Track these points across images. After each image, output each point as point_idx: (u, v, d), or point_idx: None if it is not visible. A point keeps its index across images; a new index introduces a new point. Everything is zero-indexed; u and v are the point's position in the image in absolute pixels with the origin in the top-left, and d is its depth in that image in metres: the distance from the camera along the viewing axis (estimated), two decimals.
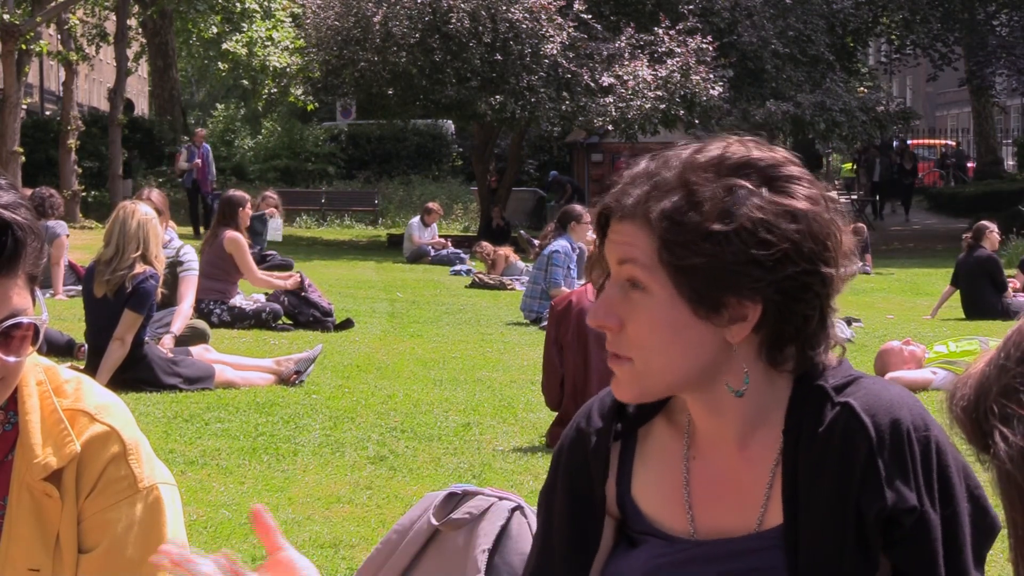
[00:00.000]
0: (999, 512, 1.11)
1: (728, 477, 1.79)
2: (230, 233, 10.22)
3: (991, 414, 1.07)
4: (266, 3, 26.90)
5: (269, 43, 25.26)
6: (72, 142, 24.48)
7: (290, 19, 25.75)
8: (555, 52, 22.00)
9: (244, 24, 26.26)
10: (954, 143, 42.43)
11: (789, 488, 1.71)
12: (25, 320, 1.79)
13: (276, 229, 16.72)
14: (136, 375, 7.44)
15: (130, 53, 29.80)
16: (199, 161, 22.96)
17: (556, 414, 6.33)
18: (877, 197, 32.47)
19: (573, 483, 1.89)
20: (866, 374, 1.78)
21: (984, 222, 13.72)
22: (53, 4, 22.78)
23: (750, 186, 1.67)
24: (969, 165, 38.60)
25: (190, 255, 9.15)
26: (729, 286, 1.66)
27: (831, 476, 1.69)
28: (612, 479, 1.88)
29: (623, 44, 22.42)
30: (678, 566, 1.80)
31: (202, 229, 20.62)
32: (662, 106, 22.03)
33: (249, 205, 10.74)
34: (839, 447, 1.68)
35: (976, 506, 1.71)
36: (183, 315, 8.54)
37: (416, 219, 20.21)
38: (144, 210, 7.54)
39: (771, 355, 1.72)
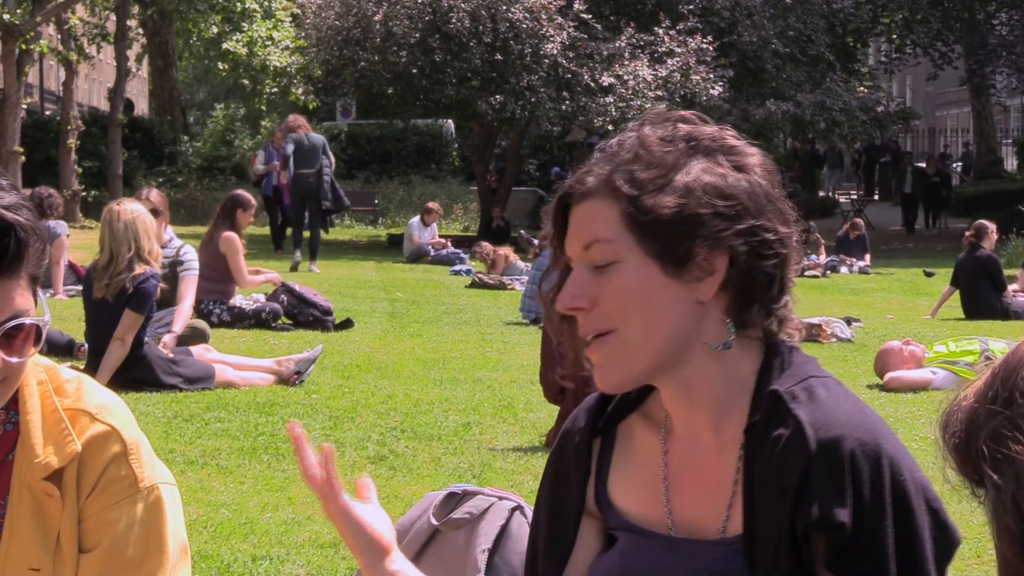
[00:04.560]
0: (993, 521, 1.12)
1: (702, 466, 1.81)
2: (226, 234, 10.20)
3: (982, 458, 1.08)
4: (266, 3, 26.89)
5: (269, 43, 25.25)
6: (72, 142, 24.47)
7: (290, 19, 25.74)
8: (555, 52, 22.00)
9: (244, 24, 26.25)
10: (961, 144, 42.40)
11: (747, 496, 1.74)
12: (28, 321, 1.79)
13: None
14: (136, 375, 7.44)
15: (130, 53, 29.80)
16: (277, 163, 18.65)
17: (556, 414, 6.33)
18: (914, 208, 30.21)
19: (556, 483, 1.93)
20: (825, 377, 1.78)
21: (984, 222, 13.73)
22: (53, 4, 22.78)
23: (704, 149, 1.76)
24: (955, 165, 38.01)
25: (190, 255, 9.15)
26: (696, 236, 1.71)
27: (774, 488, 1.71)
28: (592, 479, 1.90)
29: (623, 44, 22.42)
30: (650, 563, 1.82)
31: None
32: (662, 106, 21.99)
33: (252, 209, 10.64)
34: (782, 459, 1.70)
35: (935, 520, 1.72)
36: (184, 315, 8.54)
37: (416, 219, 20.20)
38: (130, 208, 7.48)
39: (738, 315, 1.75)
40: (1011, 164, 39.96)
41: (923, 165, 31.55)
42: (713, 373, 1.77)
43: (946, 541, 1.72)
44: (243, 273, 10.25)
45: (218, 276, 10.17)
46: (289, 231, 17.94)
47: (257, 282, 10.52)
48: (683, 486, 1.82)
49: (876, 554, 1.66)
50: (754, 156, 1.78)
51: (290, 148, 17.23)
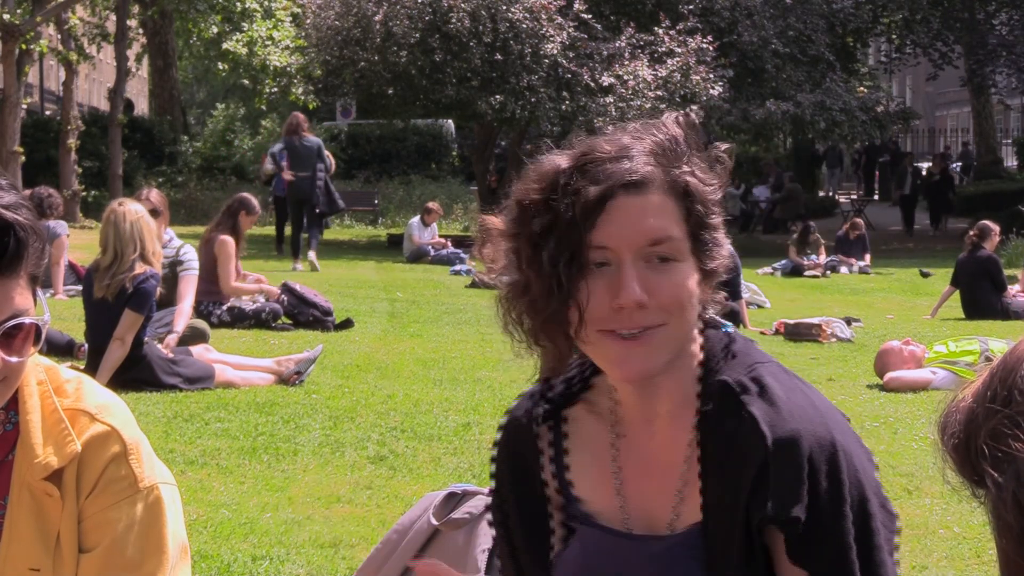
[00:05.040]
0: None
1: (652, 459, 1.84)
2: (222, 237, 10.19)
3: (982, 456, 1.08)
4: (267, 3, 26.89)
5: (269, 43, 25.24)
6: (72, 142, 24.47)
7: (290, 19, 25.74)
8: (555, 52, 22.00)
9: (244, 24, 26.24)
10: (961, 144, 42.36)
11: (703, 489, 1.78)
12: (27, 320, 1.79)
13: None
14: (136, 375, 7.44)
15: (130, 53, 29.80)
16: (285, 164, 17.46)
17: None
18: (912, 209, 29.79)
19: (515, 475, 1.94)
20: (771, 364, 1.82)
21: (988, 222, 13.74)
22: (53, 4, 22.77)
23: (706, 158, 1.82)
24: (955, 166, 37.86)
25: (190, 254, 9.15)
26: (720, 244, 1.80)
27: (728, 482, 1.75)
28: (548, 465, 1.91)
29: (623, 44, 22.42)
30: (608, 557, 1.85)
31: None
32: (662, 106, 22.01)
33: (256, 215, 10.59)
34: (738, 454, 1.74)
35: (883, 506, 1.78)
36: (184, 314, 8.54)
37: (416, 219, 20.20)
38: (133, 208, 7.50)
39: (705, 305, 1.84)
40: (1011, 163, 39.96)
41: (924, 165, 31.50)
42: (676, 367, 1.81)
43: (893, 525, 1.78)
44: (229, 278, 10.14)
45: (216, 277, 10.17)
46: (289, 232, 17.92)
47: (244, 289, 10.40)
48: (635, 478, 1.85)
49: (837, 545, 1.71)
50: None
51: (275, 148, 17.29)
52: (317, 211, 16.95)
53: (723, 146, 1.82)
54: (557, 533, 1.91)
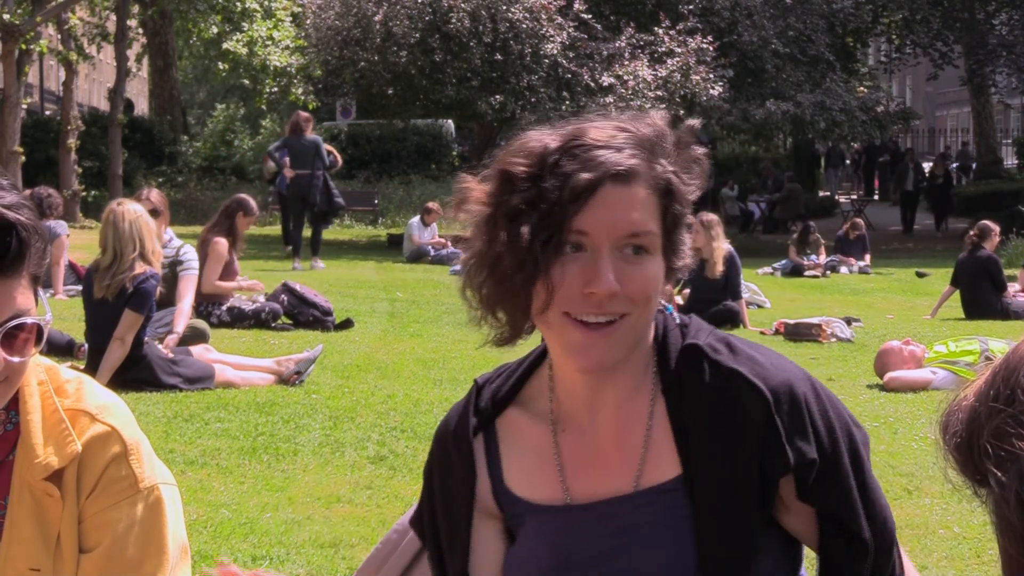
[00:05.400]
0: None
1: (602, 444, 1.86)
2: (216, 238, 10.17)
3: (985, 455, 1.08)
4: (267, 3, 26.88)
5: (270, 42, 25.24)
6: (72, 142, 24.47)
7: (290, 19, 25.73)
8: (555, 52, 22.00)
9: (244, 24, 26.23)
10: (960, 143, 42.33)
11: (681, 446, 1.81)
12: (29, 320, 1.79)
13: None
14: (136, 375, 7.44)
15: (130, 53, 29.79)
16: (287, 160, 17.31)
17: None
18: (914, 206, 29.62)
19: (443, 485, 1.95)
20: (728, 333, 1.90)
21: (989, 223, 13.74)
22: (53, 4, 22.78)
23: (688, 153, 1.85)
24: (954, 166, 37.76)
25: (190, 254, 9.15)
26: (685, 241, 1.84)
27: (723, 434, 1.78)
28: (484, 476, 1.92)
29: (623, 44, 22.42)
30: (561, 532, 1.86)
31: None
32: (662, 106, 21.99)
33: (254, 216, 10.56)
34: (732, 409, 1.78)
35: (856, 424, 1.87)
36: (184, 314, 8.54)
37: (416, 219, 20.19)
38: (132, 208, 7.51)
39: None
40: (1011, 162, 39.95)
41: (924, 165, 31.43)
42: (634, 356, 1.85)
43: (867, 440, 1.87)
44: (211, 276, 10.05)
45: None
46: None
47: (225, 287, 10.32)
48: (580, 470, 1.87)
49: (841, 477, 1.80)
50: None
51: (273, 146, 17.46)
52: (316, 209, 17.01)
53: (700, 149, 1.84)
54: (491, 543, 1.92)
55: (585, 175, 1.73)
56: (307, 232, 17.93)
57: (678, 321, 1.89)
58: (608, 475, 1.85)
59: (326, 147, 17.23)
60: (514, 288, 1.77)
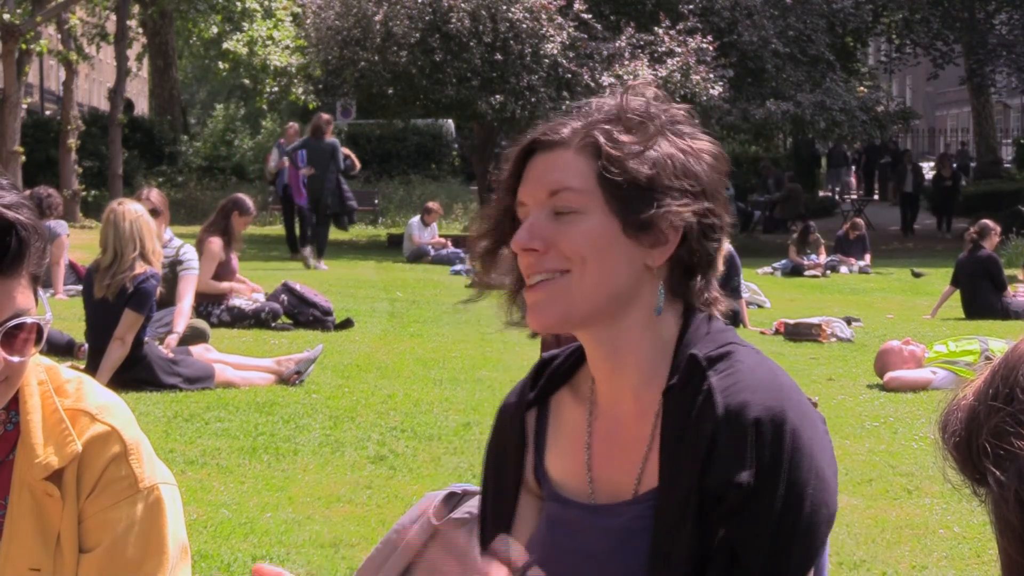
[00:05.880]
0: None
1: (621, 432, 1.88)
2: (212, 238, 10.17)
3: (984, 454, 1.08)
4: (267, 3, 26.88)
5: (270, 42, 25.24)
6: (72, 142, 24.47)
7: (291, 18, 25.73)
8: (555, 52, 21.99)
9: (244, 23, 26.23)
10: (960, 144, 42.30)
11: (661, 456, 1.80)
12: (29, 320, 1.79)
13: None
14: (136, 375, 7.44)
15: (130, 53, 29.79)
16: (285, 160, 18.07)
17: None
18: (914, 208, 29.34)
19: (497, 460, 2.00)
20: (743, 345, 1.85)
21: (988, 222, 13.73)
22: (53, 4, 22.77)
23: (675, 128, 1.84)
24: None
25: (190, 254, 9.15)
26: (661, 205, 1.79)
27: (685, 449, 1.77)
28: (531, 452, 1.96)
29: (623, 44, 22.42)
30: (572, 531, 1.88)
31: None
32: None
33: (250, 215, 10.54)
34: (694, 424, 1.77)
35: (824, 492, 1.76)
36: (184, 314, 8.54)
37: (416, 219, 20.20)
38: (133, 208, 7.51)
39: (677, 285, 1.84)
40: (1008, 155, 39.92)
41: (924, 165, 31.37)
42: (641, 338, 1.84)
43: (830, 518, 1.77)
44: (204, 275, 9.93)
45: (211, 277, 10.16)
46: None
47: (219, 287, 10.28)
48: (604, 452, 1.89)
49: (759, 516, 1.72)
50: (707, 144, 1.87)
51: (289, 147, 17.83)
52: (329, 212, 17.30)
53: (675, 113, 1.86)
54: (528, 519, 1.94)
55: (514, 149, 1.88)
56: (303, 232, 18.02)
57: (710, 327, 1.85)
58: (622, 464, 1.86)
59: (344, 151, 17.56)
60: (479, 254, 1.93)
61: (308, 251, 17.21)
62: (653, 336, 1.84)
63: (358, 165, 18.41)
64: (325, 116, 17.68)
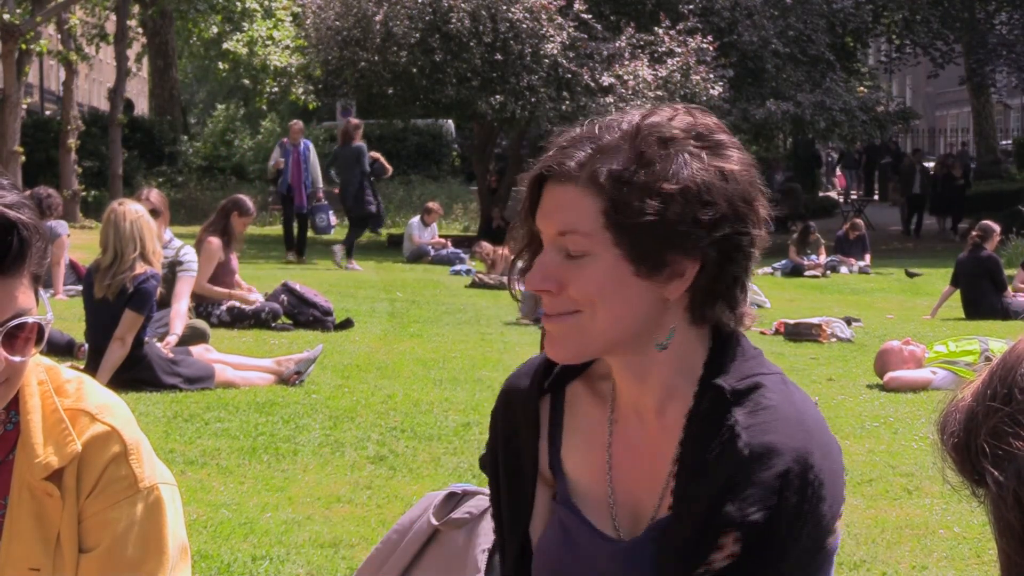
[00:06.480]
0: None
1: (644, 445, 1.84)
2: (210, 238, 10.17)
3: (982, 455, 1.08)
4: (267, 3, 26.88)
5: (270, 42, 25.24)
6: (72, 142, 24.47)
7: (290, 19, 25.73)
8: (555, 52, 21.99)
9: (244, 24, 26.23)
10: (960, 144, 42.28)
11: (677, 484, 1.78)
12: (30, 320, 1.79)
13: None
14: (136, 375, 7.44)
15: (130, 53, 29.79)
16: (281, 160, 17.93)
17: None
18: (920, 210, 29.07)
19: (508, 444, 1.94)
20: (770, 373, 1.81)
21: (990, 223, 13.73)
22: (53, 4, 22.78)
23: (693, 149, 1.73)
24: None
25: (190, 255, 9.15)
26: (673, 245, 1.71)
27: (701, 483, 1.74)
28: (544, 441, 1.91)
29: (623, 44, 22.41)
30: (577, 545, 1.86)
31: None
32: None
33: (250, 216, 10.53)
34: (714, 458, 1.74)
35: (835, 528, 1.77)
36: (180, 317, 8.53)
37: (416, 219, 20.21)
38: (133, 208, 7.51)
39: (699, 313, 1.78)
40: (1007, 143, 39.91)
41: (927, 165, 31.30)
42: (665, 361, 1.80)
43: (834, 548, 1.79)
44: (202, 276, 9.93)
45: (212, 280, 10.15)
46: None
47: (216, 291, 10.23)
48: (625, 461, 1.85)
49: (760, 557, 1.72)
50: (737, 153, 1.78)
51: (277, 152, 18.30)
52: (353, 215, 17.67)
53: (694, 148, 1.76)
54: (541, 512, 1.92)
55: (529, 174, 1.79)
56: (307, 233, 18.02)
57: (740, 352, 1.82)
58: (644, 478, 1.84)
59: (372, 154, 17.71)
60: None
61: (339, 249, 17.46)
62: (676, 358, 1.80)
63: (389, 168, 18.50)
64: (354, 121, 18.05)
